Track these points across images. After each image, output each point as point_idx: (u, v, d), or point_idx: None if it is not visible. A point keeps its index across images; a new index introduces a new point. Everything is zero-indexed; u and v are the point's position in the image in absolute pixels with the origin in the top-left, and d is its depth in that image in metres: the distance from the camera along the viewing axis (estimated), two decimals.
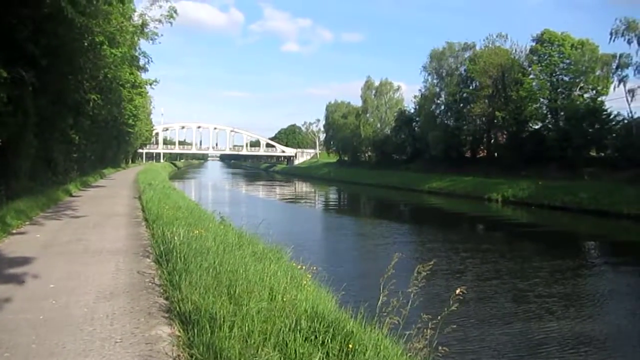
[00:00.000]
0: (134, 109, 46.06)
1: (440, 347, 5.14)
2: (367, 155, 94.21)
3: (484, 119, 59.18)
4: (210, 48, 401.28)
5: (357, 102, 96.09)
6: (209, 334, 4.88)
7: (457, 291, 5.38)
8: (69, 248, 10.44)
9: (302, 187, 73.89)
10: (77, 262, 9.03)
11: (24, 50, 14.29)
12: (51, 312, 6.12)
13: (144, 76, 32.57)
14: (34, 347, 5.02)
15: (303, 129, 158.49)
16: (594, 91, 49.71)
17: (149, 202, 17.76)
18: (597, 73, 49.03)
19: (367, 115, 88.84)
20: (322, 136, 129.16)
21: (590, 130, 46.75)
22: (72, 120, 24.24)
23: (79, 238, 11.69)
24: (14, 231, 12.33)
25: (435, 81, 70.02)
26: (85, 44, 18.20)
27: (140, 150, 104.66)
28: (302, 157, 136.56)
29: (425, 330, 5.27)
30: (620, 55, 46.00)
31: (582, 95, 50.20)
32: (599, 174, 41.32)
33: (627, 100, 45.97)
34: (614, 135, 45.98)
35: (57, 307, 6.34)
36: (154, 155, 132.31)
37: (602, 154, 47.98)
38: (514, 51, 57.54)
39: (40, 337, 5.26)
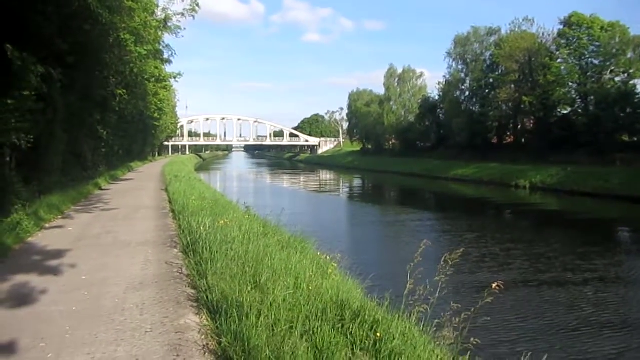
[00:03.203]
0: (159, 102, 46.61)
1: (471, 339, 5.07)
2: (390, 143, 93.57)
3: (510, 104, 58.07)
4: (232, 40, 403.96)
5: (380, 90, 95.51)
6: (237, 323, 4.95)
7: (494, 285, 5.28)
8: (99, 240, 10.68)
9: (326, 176, 73.83)
10: (107, 254, 9.23)
11: (52, 48, 14.55)
12: (84, 303, 6.29)
13: (168, 69, 32.95)
14: (67, 337, 5.17)
15: (326, 118, 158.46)
16: (626, 74, 48.27)
17: (175, 194, 18.01)
18: (628, 56, 47.63)
19: (391, 103, 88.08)
20: (345, 125, 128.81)
21: (622, 114, 45.48)
22: (100, 116, 24.66)
23: (109, 230, 11.93)
24: (47, 225, 12.66)
25: (459, 67, 69.04)
26: (111, 40, 18.46)
27: (166, 143, 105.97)
28: (326, 146, 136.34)
29: (454, 319, 5.22)
30: None
31: (613, 79, 48.80)
32: (632, 159, 40.09)
33: None
34: None
35: (89, 298, 6.50)
36: (180, 147, 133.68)
37: (635, 139, 46.61)
38: (540, 35, 56.21)
39: (74, 328, 5.41)
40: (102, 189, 24.07)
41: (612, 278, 14.48)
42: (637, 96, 45.95)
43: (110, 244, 10.29)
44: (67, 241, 10.40)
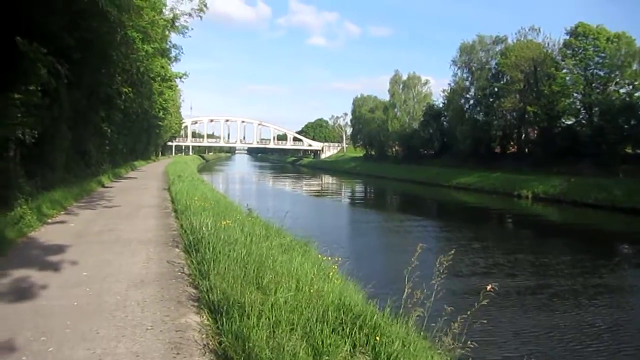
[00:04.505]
0: (164, 102, 46.69)
1: (469, 342, 5.10)
2: (394, 149, 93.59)
3: (514, 113, 58.02)
4: (239, 42, 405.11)
5: (385, 97, 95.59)
6: (237, 323, 4.97)
7: (488, 287, 5.32)
8: (101, 237, 10.70)
9: (329, 181, 73.89)
10: (109, 251, 9.25)
11: (59, 43, 14.61)
12: (85, 299, 6.30)
13: (174, 68, 33.02)
14: (68, 332, 5.18)
15: (330, 122, 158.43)
16: (631, 86, 48.18)
17: (177, 194, 18.05)
18: (634, 67, 47.59)
19: (395, 109, 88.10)
20: (349, 130, 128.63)
21: (626, 126, 45.30)
22: (105, 113, 24.76)
23: (111, 228, 11.96)
24: (50, 220, 12.69)
25: (464, 75, 68.99)
26: (118, 37, 18.53)
27: (169, 143, 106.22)
28: (329, 151, 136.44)
29: (452, 323, 5.24)
30: None
31: (618, 91, 48.71)
32: (635, 171, 40.00)
33: None
34: None
35: (90, 294, 6.52)
36: (183, 148, 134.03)
37: (639, 151, 46.51)
38: (546, 45, 56.13)
39: (75, 323, 5.42)
40: (105, 187, 24.13)
41: (608, 287, 14.62)
42: None
43: (112, 241, 10.31)
44: (69, 237, 10.43)
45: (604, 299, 13.28)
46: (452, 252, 5.96)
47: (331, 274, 7.41)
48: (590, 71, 49.87)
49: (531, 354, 8.53)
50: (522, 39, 58.89)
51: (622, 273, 17.09)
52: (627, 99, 46.87)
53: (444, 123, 75.31)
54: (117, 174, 32.62)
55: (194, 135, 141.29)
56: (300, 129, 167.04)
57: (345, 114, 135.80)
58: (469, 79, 68.05)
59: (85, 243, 9.95)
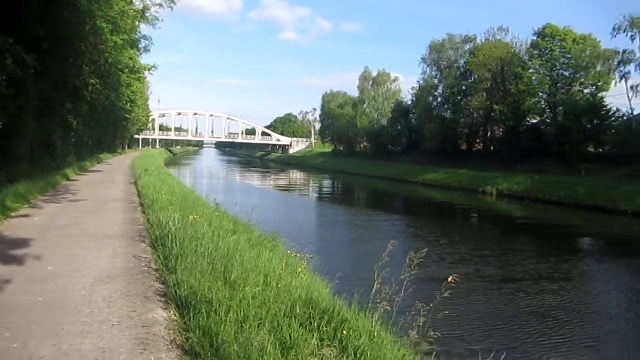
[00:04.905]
0: (131, 94, 45.98)
1: (434, 334, 5.25)
2: (362, 145, 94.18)
3: (481, 112, 59.12)
4: (209, 35, 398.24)
5: (355, 93, 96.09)
6: (205, 318, 4.98)
7: (450, 279, 5.46)
8: (67, 232, 10.52)
9: (297, 177, 73.92)
10: (75, 246, 9.11)
11: (28, 33, 14.24)
12: (50, 294, 6.21)
13: (144, 60, 32.57)
14: (33, 327, 5.12)
15: (299, 118, 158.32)
16: (595, 87, 49.63)
17: (145, 188, 17.84)
18: (598, 69, 48.94)
19: (364, 105, 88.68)
20: (318, 126, 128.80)
21: (589, 126, 46.58)
22: (71, 105, 24.22)
23: (77, 222, 11.76)
24: (14, 214, 12.38)
25: (434, 73, 69.88)
26: (87, 28, 18.19)
27: (136, 136, 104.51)
28: (298, 146, 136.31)
29: (417, 317, 5.37)
30: (624, 52, 45.93)
31: (582, 91, 50.11)
32: (597, 170, 41.30)
33: (628, 97, 46.02)
34: (613, 131, 45.84)
35: (55, 290, 6.43)
36: (150, 141, 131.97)
37: (601, 150, 47.97)
38: (514, 45, 57.31)
39: (40, 319, 5.35)
40: (70, 180, 23.62)
41: (570, 279, 15.25)
42: (605, 109, 47.24)
43: (78, 235, 10.15)
44: (34, 231, 10.21)
45: (566, 291, 13.75)
46: (425, 250, 6.05)
47: (300, 269, 7.47)
48: (556, 72, 51.12)
49: (494, 343, 8.80)
50: (491, 39, 60.00)
51: (584, 267, 17.68)
52: (591, 99, 48.25)
53: (413, 120, 76.13)
54: (83, 167, 31.94)
55: (161, 128, 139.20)
56: (269, 123, 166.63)
57: (315, 110, 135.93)
58: (438, 77, 68.96)
59: (50, 237, 9.77)
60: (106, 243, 9.46)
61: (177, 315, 5.61)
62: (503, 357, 5.38)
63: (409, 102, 78.80)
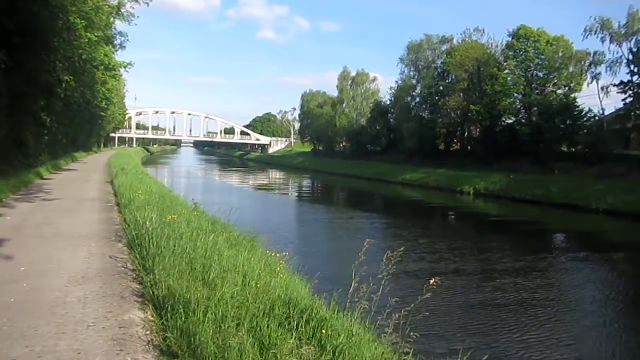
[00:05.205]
0: (107, 91, 45.30)
1: (411, 333, 5.26)
2: (341, 145, 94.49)
3: (458, 112, 59.76)
4: (186, 32, 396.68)
5: (333, 92, 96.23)
6: (183, 319, 4.93)
7: (432, 281, 5.45)
8: (40, 231, 10.32)
9: (276, 176, 73.78)
10: (48, 246, 8.94)
11: None
12: (23, 295, 6.08)
13: (119, 57, 32.09)
14: (5, 329, 5.00)
15: (278, 117, 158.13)
16: (567, 87, 50.59)
17: (121, 187, 17.61)
18: (570, 69, 49.89)
19: (343, 105, 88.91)
20: (297, 125, 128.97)
21: (562, 125, 47.65)
22: (44, 102, 23.73)
23: (51, 221, 11.55)
24: None
25: (411, 73, 70.44)
26: (60, 23, 17.85)
27: (112, 135, 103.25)
28: (277, 145, 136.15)
29: (395, 315, 5.38)
30: (594, 53, 46.91)
31: (556, 92, 51.06)
32: (570, 168, 42.24)
33: (599, 97, 47.04)
34: (585, 131, 46.86)
35: (28, 290, 6.29)
36: (127, 139, 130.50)
37: (573, 150, 48.99)
38: (490, 45, 58.07)
39: (12, 320, 5.23)
40: (43, 179, 23.17)
41: (547, 277, 15.44)
42: (577, 109, 48.27)
43: (51, 235, 9.97)
44: (6, 231, 9.99)
45: (544, 288, 13.92)
46: (402, 248, 6.07)
47: (278, 268, 7.45)
48: (530, 72, 51.97)
49: (475, 341, 8.89)
50: (467, 39, 60.63)
51: (560, 265, 17.92)
52: (564, 99, 49.23)
53: (391, 120, 76.61)
54: (56, 165, 31.40)
55: (138, 127, 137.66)
56: (248, 122, 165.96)
57: (294, 109, 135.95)
58: (416, 77, 69.51)
59: (23, 237, 9.57)
60: (81, 243, 9.31)
61: (154, 315, 5.54)
62: (485, 357, 5.42)
63: (388, 102, 79.35)
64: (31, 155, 24.90)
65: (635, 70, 40.49)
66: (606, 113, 47.14)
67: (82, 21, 18.95)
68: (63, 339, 4.82)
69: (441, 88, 62.08)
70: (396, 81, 74.71)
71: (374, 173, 61.62)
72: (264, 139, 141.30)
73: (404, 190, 49.12)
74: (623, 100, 42.71)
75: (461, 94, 57.77)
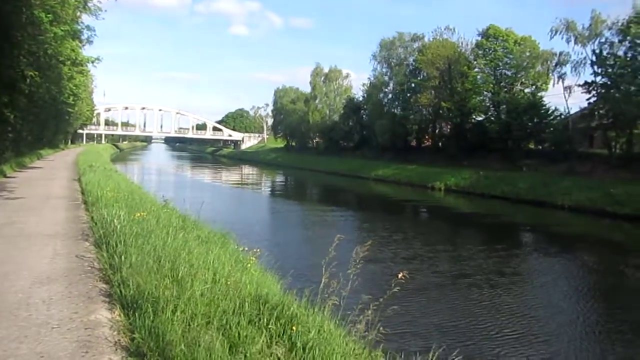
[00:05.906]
0: (74, 87, 44.11)
1: (381, 328, 5.26)
2: (314, 141, 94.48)
3: (430, 109, 60.32)
4: (156, 27, 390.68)
5: (306, 88, 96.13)
6: (151, 318, 4.84)
7: (400, 275, 5.48)
8: (2, 231, 10.00)
9: (250, 172, 73.42)
10: (11, 246, 8.67)
11: None
12: None
13: (86, 52, 31.27)
14: None
15: (251, 113, 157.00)
16: (534, 86, 51.47)
17: (89, 185, 17.23)
18: (537, 69, 50.74)
19: (316, 101, 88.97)
20: (270, 121, 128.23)
21: (529, 124, 48.56)
22: (7, 98, 23.03)
23: (14, 221, 11.22)
24: None
25: (384, 70, 70.63)
26: (24, 17, 17.32)
27: (80, 131, 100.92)
28: (250, 141, 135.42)
29: (366, 310, 5.38)
30: (560, 53, 47.81)
31: (523, 90, 51.91)
32: (537, 165, 43.20)
33: (565, 97, 48.02)
34: (551, 129, 47.87)
35: None
36: (95, 136, 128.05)
37: (540, 147, 50.00)
38: (460, 44, 58.70)
39: None
40: (7, 177, 22.58)
41: (517, 271, 15.91)
42: (544, 107, 49.28)
43: (14, 235, 9.67)
44: None
45: (516, 284, 14.27)
46: (369, 242, 6.10)
47: (249, 265, 7.39)
48: (499, 71, 52.67)
49: (448, 339, 8.96)
50: (438, 38, 61.16)
51: (532, 261, 18.35)
52: (531, 98, 50.13)
53: (364, 116, 76.88)
54: (21, 163, 30.63)
55: (107, 123, 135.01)
56: (220, 118, 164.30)
57: (267, 105, 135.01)
58: (388, 74, 69.75)
59: None
60: (46, 242, 9.07)
61: (122, 315, 5.42)
62: (456, 352, 5.45)
63: (360, 99, 79.50)
64: None
65: (599, 71, 41.42)
66: (571, 112, 48.24)
67: (48, 15, 18.39)
68: (25, 342, 4.67)
69: (413, 85, 62.50)
70: (369, 78, 75.03)
71: (347, 169, 61.85)
72: (236, 135, 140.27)
73: (376, 186, 49.43)
74: (587, 100, 43.69)
75: (432, 92, 58.31)
